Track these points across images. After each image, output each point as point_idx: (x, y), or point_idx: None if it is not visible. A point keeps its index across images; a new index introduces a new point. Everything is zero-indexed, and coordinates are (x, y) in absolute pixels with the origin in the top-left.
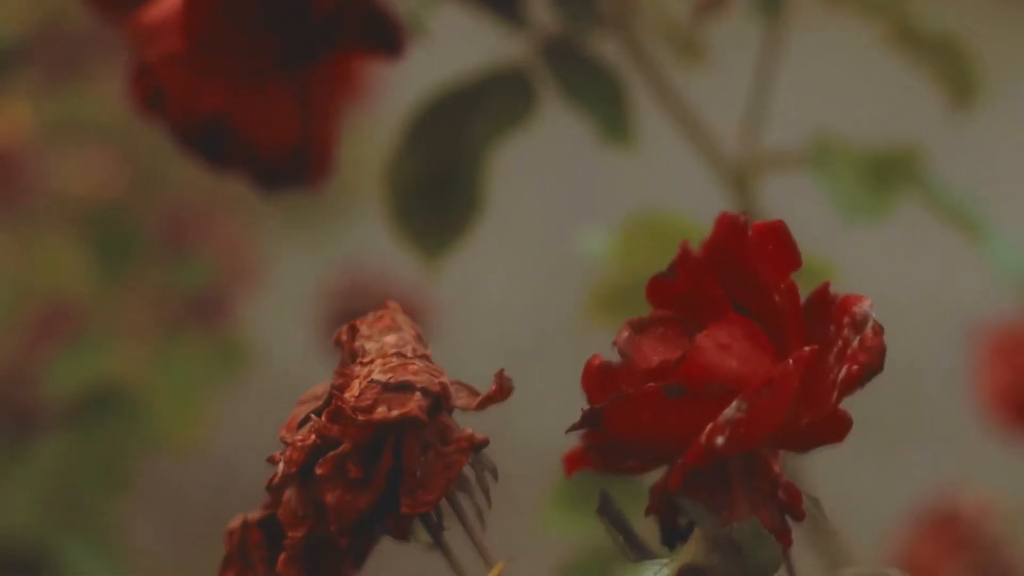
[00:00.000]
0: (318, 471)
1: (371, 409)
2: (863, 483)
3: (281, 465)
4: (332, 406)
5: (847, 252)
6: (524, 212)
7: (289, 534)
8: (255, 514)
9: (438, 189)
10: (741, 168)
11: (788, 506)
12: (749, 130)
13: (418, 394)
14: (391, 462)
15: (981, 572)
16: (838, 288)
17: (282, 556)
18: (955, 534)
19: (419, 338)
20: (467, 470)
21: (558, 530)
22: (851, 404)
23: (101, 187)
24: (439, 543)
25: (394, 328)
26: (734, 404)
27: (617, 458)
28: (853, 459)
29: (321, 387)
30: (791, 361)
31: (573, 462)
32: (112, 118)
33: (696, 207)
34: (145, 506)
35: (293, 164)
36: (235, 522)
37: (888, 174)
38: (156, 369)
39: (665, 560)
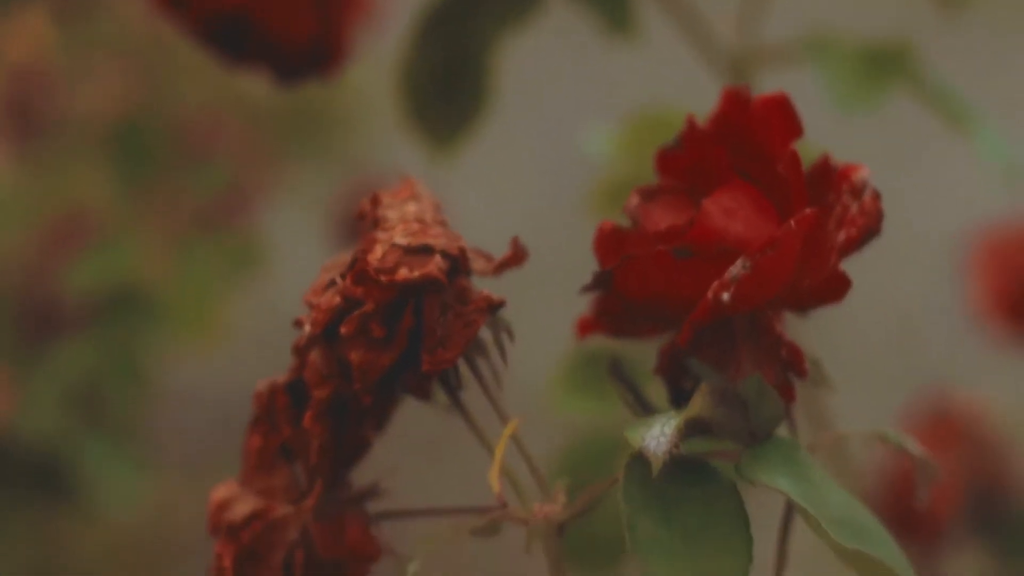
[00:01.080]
0: (343, 331)
1: (393, 271)
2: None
3: (307, 327)
4: (356, 268)
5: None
6: (529, 112)
7: (315, 393)
8: (282, 378)
9: (447, 82)
10: (739, 62)
11: (791, 364)
12: (747, 24)
13: (438, 256)
14: (412, 322)
15: (973, 470)
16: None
17: (308, 414)
18: (948, 433)
19: (438, 208)
20: (484, 332)
21: (565, 410)
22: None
23: (118, 102)
24: (457, 403)
25: (415, 198)
26: (739, 262)
27: (627, 322)
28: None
29: (345, 255)
30: (793, 223)
31: (585, 327)
32: (129, 36)
33: (695, 103)
34: (164, 407)
35: (311, 53)
36: (262, 386)
37: (881, 67)
38: (173, 272)
39: (673, 414)
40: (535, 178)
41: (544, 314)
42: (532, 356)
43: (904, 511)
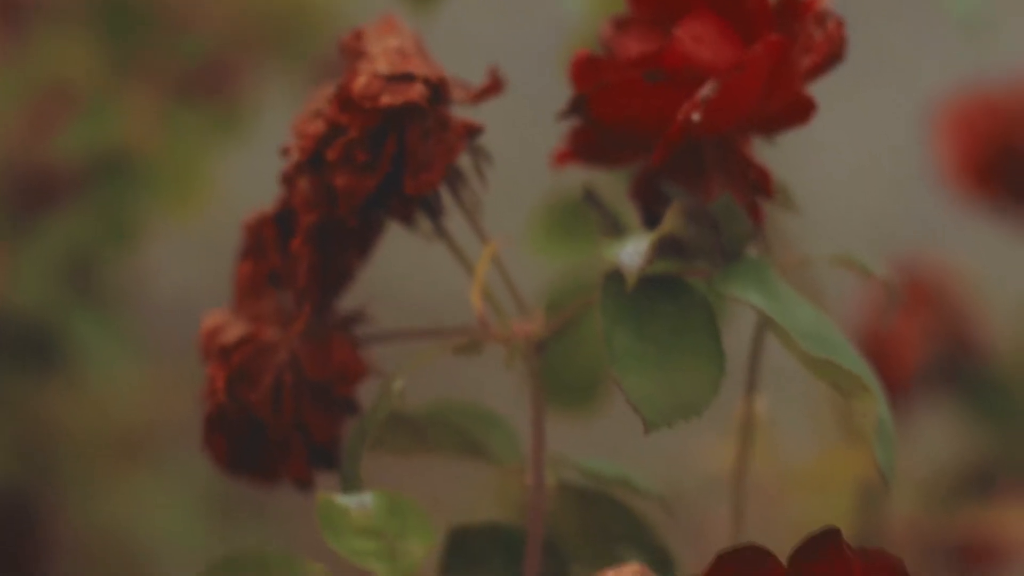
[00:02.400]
0: (328, 156)
1: (376, 97)
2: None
3: (294, 153)
4: (340, 96)
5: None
6: None
7: (302, 219)
8: (270, 209)
9: None
10: None
11: (759, 186)
12: None
13: (420, 83)
14: (395, 147)
15: (941, 331)
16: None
17: (296, 239)
18: (917, 295)
19: (419, 42)
20: (465, 159)
21: (543, 254)
22: None
23: None
24: (439, 227)
25: (396, 33)
26: (708, 84)
27: (602, 149)
28: None
29: (330, 87)
30: (760, 47)
31: (561, 158)
32: None
33: None
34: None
35: None
36: (251, 217)
37: None
38: (159, 139)
39: (647, 233)
40: (510, 33)
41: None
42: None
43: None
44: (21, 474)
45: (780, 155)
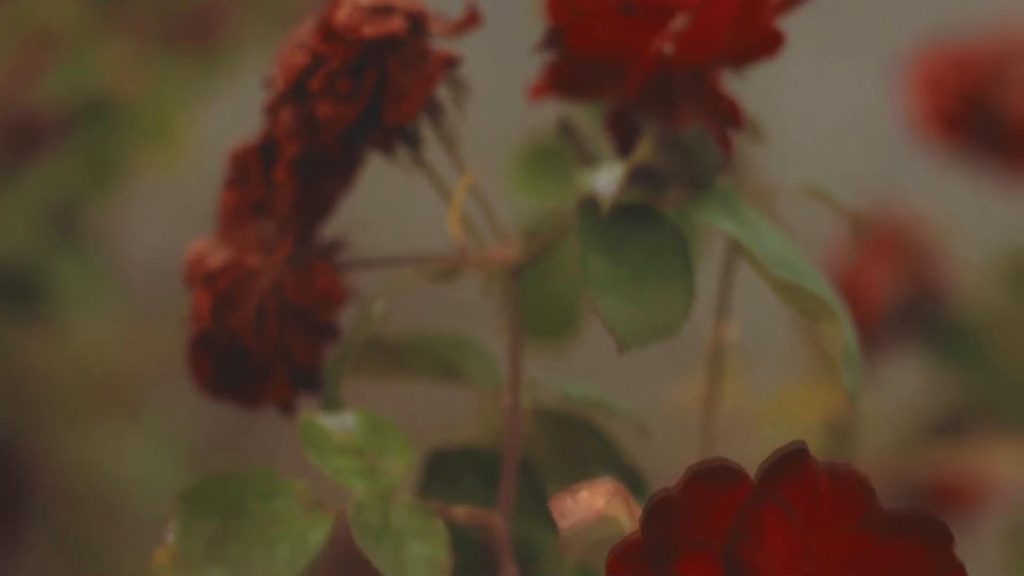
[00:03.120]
0: (311, 86)
1: (358, 28)
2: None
3: (277, 84)
4: (322, 28)
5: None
6: None
7: (286, 148)
8: (254, 139)
9: None
10: None
11: (730, 117)
12: None
13: (399, 16)
14: (376, 77)
15: (910, 279)
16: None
17: (279, 167)
18: (885, 241)
19: None
20: (443, 91)
21: (521, 193)
22: None
23: None
24: (418, 157)
25: None
26: (680, 17)
27: (577, 82)
28: None
29: (312, 21)
30: None
31: (537, 91)
32: None
33: None
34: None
35: None
36: (235, 148)
37: None
38: (144, 82)
39: (620, 162)
40: None
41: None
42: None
43: None
44: (2, 418)
45: (751, 108)
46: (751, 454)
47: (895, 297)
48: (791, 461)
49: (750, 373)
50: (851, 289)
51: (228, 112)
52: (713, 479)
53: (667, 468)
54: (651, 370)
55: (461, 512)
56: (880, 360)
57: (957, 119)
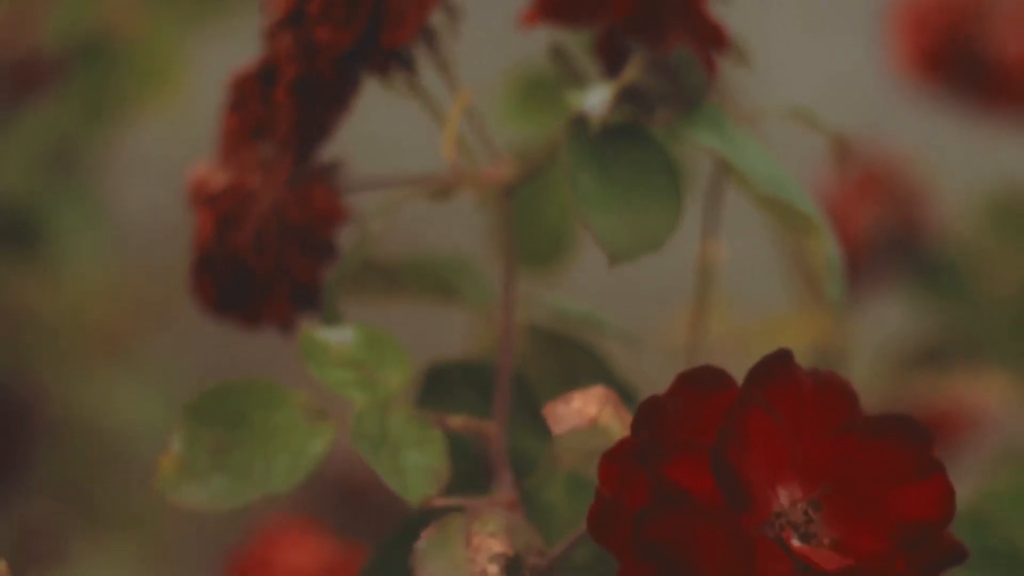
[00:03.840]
0: (309, 10)
1: None
2: None
3: (276, 10)
4: None
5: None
6: None
7: (284, 71)
8: (252, 66)
9: None
10: None
11: (714, 39)
12: None
13: None
14: (372, 1)
15: (893, 215)
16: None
17: (279, 89)
18: (869, 181)
19: None
20: (438, 16)
21: (513, 122)
22: None
23: None
24: (413, 81)
25: None
26: None
27: (567, 8)
28: None
29: None
30: None
31: (529, 17)
32: None
33: None
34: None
35: None
36: (235, 74)
37: None
38: (143, 22)
39: (609, 83)
40: None
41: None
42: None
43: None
44: (1, 362)
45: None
46: (738, 377)
47: (879, 233)
48: (776, 366)
49: (737, 301)
50: (835, 223)
51: (225, 53)
52: (701, 383)
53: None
54: (640, 303)
55: (457, 421)
56: (864, 294)
57: (941, 59)
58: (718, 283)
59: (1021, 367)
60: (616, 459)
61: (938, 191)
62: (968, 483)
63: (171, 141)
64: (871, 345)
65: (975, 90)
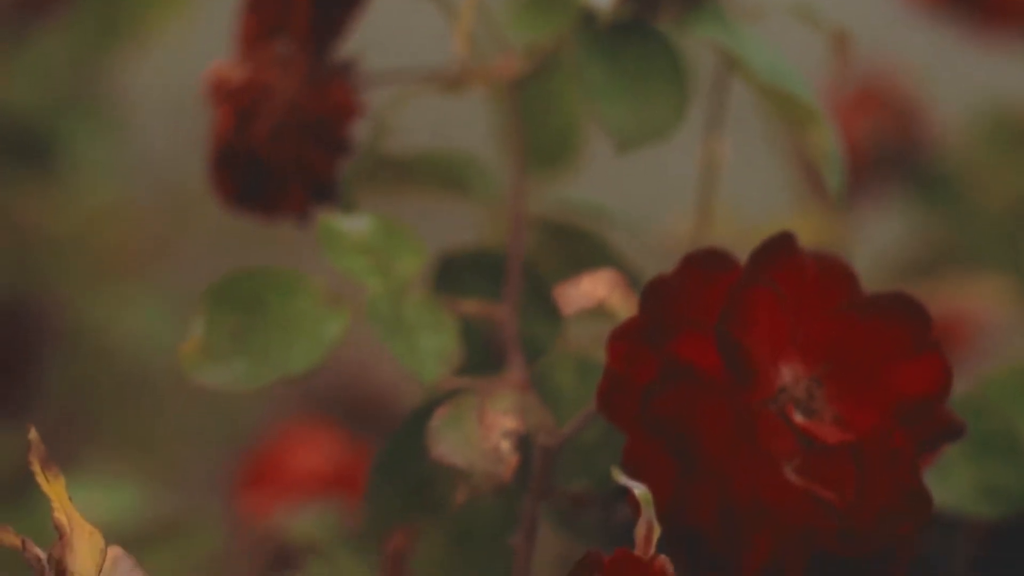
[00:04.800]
0: None
1: None
2: None
3: None
4: None
5: None
6: None
7: None
8: None
9: None
10: None
11: None
12: None
13: None
14: None
15: (891, 129)
16: None
17: None
18: (867, 96)
19: None
20: None
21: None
22: None
23: None
24: None
25: None
26: None
27: None
28: None
29: None
30: None
31: None
32: None
33: None
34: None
35: None
36: None
37: None
38: None
39: None
40: None
41: None
42: None
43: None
44: (12, 279)
45: None
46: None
47: (877, 146)
48: (779, 247)
49: (739, 206)
50: None
51: None
52: (706, 264)
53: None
54: (642, 208)
55: (470, 305)
56: (862, 206)
57: None
58: (721, 185)
59: (1014, 275)
60: (624, 337)
61: (935, 106)
62: (965, 387)
63: (184, 60)
64: (868, 255)
65: (973, 8)
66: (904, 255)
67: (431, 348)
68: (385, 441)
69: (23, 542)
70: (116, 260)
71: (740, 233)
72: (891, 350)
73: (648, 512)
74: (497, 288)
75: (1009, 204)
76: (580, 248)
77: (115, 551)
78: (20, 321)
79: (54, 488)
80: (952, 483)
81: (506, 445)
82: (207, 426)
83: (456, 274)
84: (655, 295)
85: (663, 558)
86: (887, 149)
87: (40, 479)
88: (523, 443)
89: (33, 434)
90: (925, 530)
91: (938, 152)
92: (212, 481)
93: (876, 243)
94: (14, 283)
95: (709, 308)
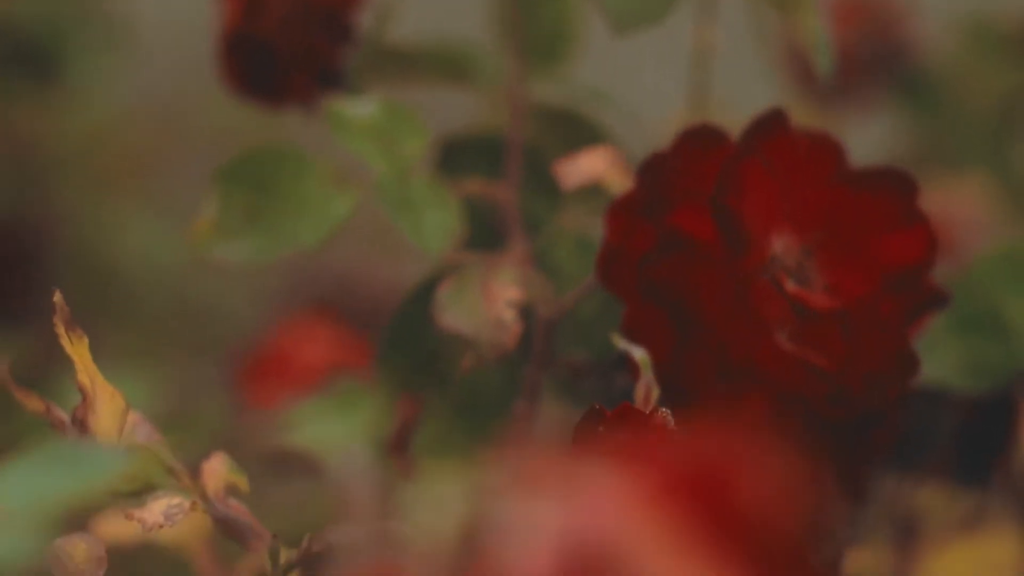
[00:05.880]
0: None
1: None
2: None
3: None
4: None
5: None
6: None
7: None
8: None
9: None
10: None
11: None
12: None
13: None
14: None
15: (875, 37)
16: None
17: None
18: (852, 3)
19: None
20: None
21: None
22: None
23: None
24: None
25: None
26: None
27: None
28: None
29: None
30: None
31: None
32: None
33: None
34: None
35: None
36: None
37: None
38: None
39: None
40: None
41: None
42: None
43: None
44: (13, 193)
45: None
46: None
47: (861, 52)
48: (771, 123)
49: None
50: None
51: None
52: (701, 139)
53: None
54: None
55: (472, 185)
56: (847, 112)
57: None
58: (712, 81)
59: (998, 174)
60: (622, 210)
61: (919, 11)
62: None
63: None
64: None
65: None
66: (890, 158)
67: (436, 224)
68: (391, 315)
69: (47, 406)
70: (117, 175)
71: (731, 124)
72: (879, 221)
73: (647, 374)
74: (498, 169)
75: (992, 105)
76: (578, 132)
77: (136, 415)
78: (20, 235)
79: (78, 350)
80: (938, 359)
81: (509, 314)
82: (208, 337)
83: (458, 156)
84: (652, 169)
85: (664, 410)
86: (871, 55)
87: (64, 341)
88: (525, 314)
89: (58, 296)
90: (911, 404)
91: (922, 57)
92: (215, 387)
93: (862, 149)
94: (14, 197)
95: (704, 181)
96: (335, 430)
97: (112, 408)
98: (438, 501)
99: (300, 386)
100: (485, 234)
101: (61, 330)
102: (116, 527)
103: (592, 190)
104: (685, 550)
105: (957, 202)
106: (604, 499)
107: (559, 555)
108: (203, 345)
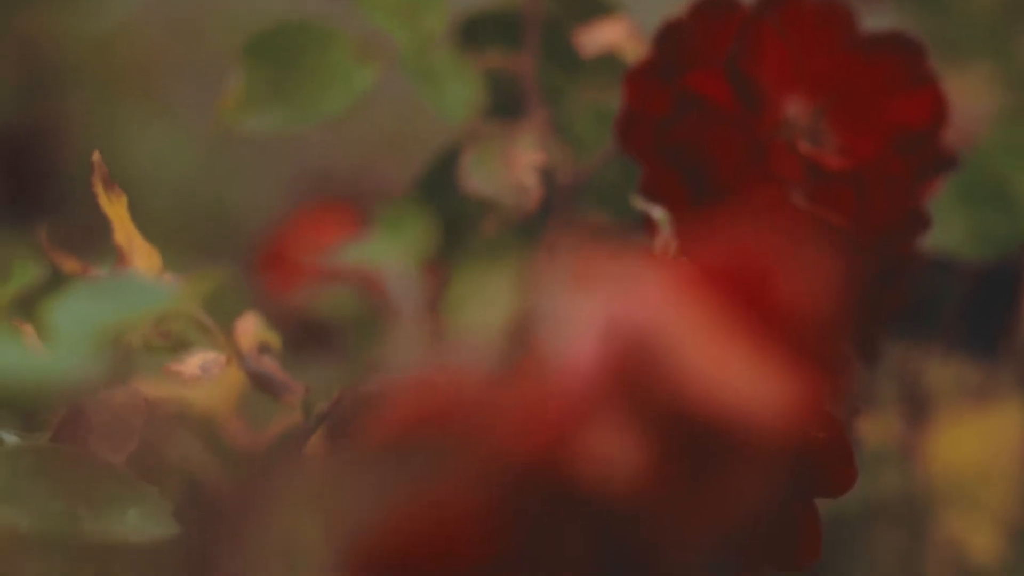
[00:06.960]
0: None
1: None
2: None
3: None
4: None
5: None
6: None
7: None
8: None
9: None
10: None
11: None
12: None
13: None
14: None
15: None
16: None
17: None
18: None
19: None
20: None
21: None
22: None
23: None
24: None
25: None
26: None
27: None
28: None
29: None
30: None
31: None
32: None
33: None
34: None
35: None
36: None
37: None
38: None
39: None
40: None
41: None
42: None
43: None
44: (24, 97)
45: None
46: None
47: None
48: None
49: None
50: None
51: None
52: (716, 5)
53: None
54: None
55: (492, 58)
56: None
57: None
58: None
59: (1002, 64)
60: (639, 75)
61: None
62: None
63: None
64: None
65: None
66: None
67: (457, 94)
68: (414, 182)
69: (84, 266)
70: (127, 79)
71: None
72: (890, 83)
73: (665, 232)
74: (517, 44)
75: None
76: (593, 5)
77: (170, 276)
78: (31, 140)
79: (116, 210)
80: (945, 228)
81: (530, 178)
82: (221, 238)
83: (479, 31)
84: (668, 35)
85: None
86: None
87: (102, 199)
88: (545, 179)
89: (96, 156)
90: (919, 274)
91: None
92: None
93: None
94: (25, 102)
95: (719, 46)
96: (385, 249)
97: (149, 266)
98: (484, 297)
99: (315, 274)
100: (506, 106)
101: (99, 188)
102: (152, 388)
103: (608, 63)
104: (725, 337)
105: (962, 95)
106: (648, 291)
107: (606, 344)
108: (216, 246)
